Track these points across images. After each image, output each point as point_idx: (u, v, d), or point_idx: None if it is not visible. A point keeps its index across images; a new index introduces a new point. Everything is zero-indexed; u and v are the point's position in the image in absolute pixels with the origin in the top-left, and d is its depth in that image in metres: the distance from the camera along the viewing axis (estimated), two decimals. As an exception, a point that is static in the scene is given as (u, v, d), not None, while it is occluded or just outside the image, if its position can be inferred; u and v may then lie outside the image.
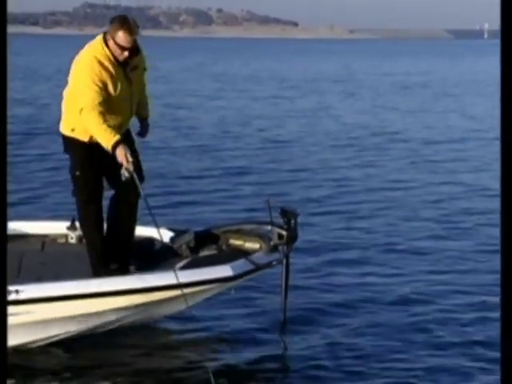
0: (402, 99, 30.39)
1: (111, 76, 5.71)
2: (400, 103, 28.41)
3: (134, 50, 5.80)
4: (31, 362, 5.92)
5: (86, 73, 5.67)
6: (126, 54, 5.73)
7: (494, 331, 6.50)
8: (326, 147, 17.50)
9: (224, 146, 17.52)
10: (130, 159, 5.60)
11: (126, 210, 6.11)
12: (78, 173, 5.95)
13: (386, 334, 6.62)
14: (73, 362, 5.99)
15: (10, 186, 12.08)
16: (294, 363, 6.15)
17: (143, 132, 6.23)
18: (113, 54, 5.75)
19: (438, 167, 15.05)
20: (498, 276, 7.13)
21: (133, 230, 6.26)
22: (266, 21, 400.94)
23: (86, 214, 6.03)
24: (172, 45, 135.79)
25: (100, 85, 5.64)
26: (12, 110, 22.72)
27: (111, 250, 6.15)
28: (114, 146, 5.58)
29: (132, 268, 6.11)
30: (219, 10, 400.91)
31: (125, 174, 5.64)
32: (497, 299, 6.73)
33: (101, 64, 5.69)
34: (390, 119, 23.29)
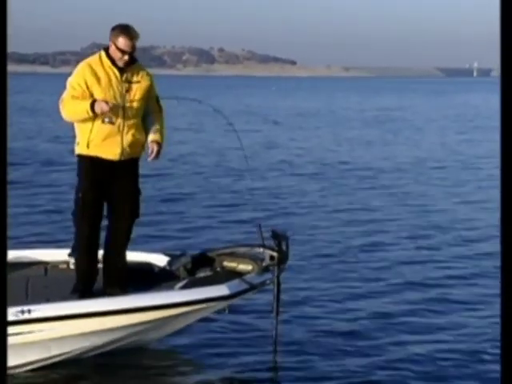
0: (365, 132, 30.82)
1: (99, 78, 5.82)
2: (363, 135, 28.88)
3: (133, 56, 5.91)
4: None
5: (74, 75, 5.89)
6: (126, 57, 5.85)
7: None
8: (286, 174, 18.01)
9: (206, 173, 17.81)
10: (110, 105, 5.71)
11: (118, 236, 6.14)
12: (80, 194, 6.01)
13: (385, 359, 6.45)
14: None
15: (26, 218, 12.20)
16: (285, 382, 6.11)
17: (150, 154, 6.05)
18: (112, 60, 5.87)
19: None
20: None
21: (122, 256, 6.22)
22: (265, 59, 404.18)
23: (79, 234, 6.08)
24: (175, 82, 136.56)
25: (82, 85, 5.81)
26: (28, 143, 23.00)
27: (109, 274, 6.19)
28: (92, 106, 5.71)
29: (130, 290, 6.15)
30: (221, 50, 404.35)
31: (109, 116, 5.77)
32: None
33: (90, 68, 5.86)
34: (342, 150, 23.71)
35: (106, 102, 5.72)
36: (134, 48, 5.86)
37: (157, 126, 6.05)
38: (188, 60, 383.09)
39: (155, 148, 5.95)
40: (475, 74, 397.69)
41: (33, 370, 5.91)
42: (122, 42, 5.80)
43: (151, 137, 6.01)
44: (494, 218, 11.05)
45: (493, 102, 50.69)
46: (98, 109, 5.71)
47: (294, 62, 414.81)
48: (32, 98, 56.50)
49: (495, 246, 9.61)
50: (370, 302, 7.96)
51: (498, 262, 5.33)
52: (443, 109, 52.98)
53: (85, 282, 6.11)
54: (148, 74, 6.07)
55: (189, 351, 6.59)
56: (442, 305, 7.94)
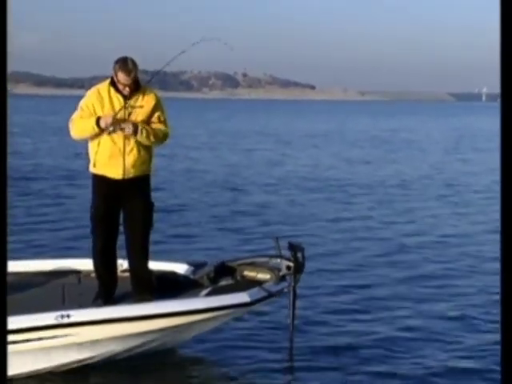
0: (366, 151, 31.05)
1: (103, 104, 5.96)
2: (363, 155, 29.09)
3: (135, 85, 6.00)
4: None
5: (84, 98, 6.07)
6: (127, 89, 5.99)
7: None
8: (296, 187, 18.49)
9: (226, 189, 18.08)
10: (113, 119, 5.85)
11: (134, 247, 6.22)
12: (93, 210, 6.16)
13: (398, 369, 6.38)
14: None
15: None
16: None
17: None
18: (116, 88, 6.01)
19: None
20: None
21: (142, 265, 6.29)
22: (286, 84, 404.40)
23: (95, 248, 6.21)
24: (201, 105, 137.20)
25: (90, 107, 6.00)
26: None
27: (135, 282, 6.28)
28: (97, 123, 5.88)
29: (158, 297, 6.22)
30: (244, 74, 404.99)
31: (111, 128, 5.89)
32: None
33: (98, 93, 6.03)
34: (340, 167, 24.04)
35: (109, 117, 5.88)
36: (133, 79, 5.95)
37: (151, 126, 6.07)
38: (214, 84, 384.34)
39: (130, 127, 5.91)
40: (484, 98, 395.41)
41: (67, 372, 5.99)
42: (121, 76, 5.92)
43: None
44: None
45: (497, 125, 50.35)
46: (102, 122, 5.89)
47: (313, 87, 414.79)
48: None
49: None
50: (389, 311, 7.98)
51: None
52: (448, 131, 52.94)
53: (105, 290, 6.23)
54: (154, 97, 6.12)
55: (211, 354, 6.65)
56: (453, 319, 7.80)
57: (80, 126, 6.00)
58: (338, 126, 57.29)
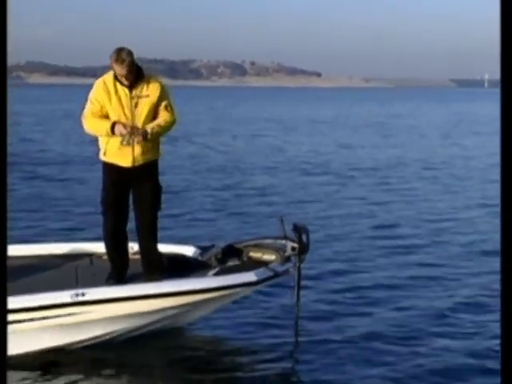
0: (365, 136, 31.04)
1: (110, 96, 5.99)
2: (360, 140, 29.06)
3: (133, 74, 5.98)
4: (65, 360, 6.01)
5: (92, 91, 6.11)
6: (125, 80, 5.99)
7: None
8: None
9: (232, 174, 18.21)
10: (128, 129, 5.90)
11: (144, 228, 6.29)
12: (103, 194, 6.23)
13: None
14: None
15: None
16: (306, 362, 6.15)
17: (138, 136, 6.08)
18: (119, 80, 6.04)
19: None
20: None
21: (151, 246, 6.36)
22: (293, 72, 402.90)
23: (106, 230, 6.27)
24: (210, 93, 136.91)
25: (99, 99, 6.03)
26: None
27: (145, 263, 6.36)
28: (112, 128, 5.93)
29: (168, 277, 6.29)
30: (252, 63, 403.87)
31: (126, 138, 5.93)
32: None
33: (104, 85, 6.05)
34: (341, 152, 24.06)
35: (125, 126, 5.91)
36: (128, 69, 5.91)
37: (156, 121, 6.09)
38: (222, 72, 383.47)
39: (139, 137, 5.96)
40: (486, 85, 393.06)
41: (81, 348, 6.07)
42: (116, 68, 5.93)
43: (146, 126, 6.05)
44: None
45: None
46: (117, 132, 5.93)
47: (319, 74, 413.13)
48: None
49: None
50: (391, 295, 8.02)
51: None
52: (448, 116, 52.85)
53: (117, 270, 6.30)
54: (159, 85, 6.12)
55: (219, 332, 6.75)
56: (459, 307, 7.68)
57: (94, 126, 6.03)
58: (341, 112, 57.13)
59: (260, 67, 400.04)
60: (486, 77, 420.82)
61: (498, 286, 8.16)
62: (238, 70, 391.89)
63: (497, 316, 7.00)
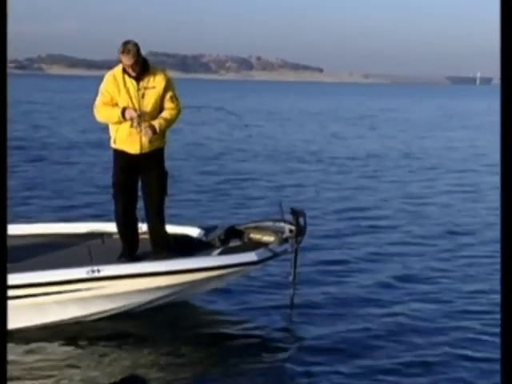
0: (350, 128, 31.05)
1: (119, 88, 6.07)
2: (346, 131, 29.10)
3: (139, 65, 6.02)
4: (84, 331, 6.03)
5: (103, 83, 6.19)
6: (132, 71, 6.06)
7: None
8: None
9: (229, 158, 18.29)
10: (138, 112, 5.99)
11: (152, 211, 6.33)
12: (114, 178, 6.31)
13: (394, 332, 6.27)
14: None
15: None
16: (299, 342, 6.09)
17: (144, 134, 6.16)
18: (127, 73, 6.09)
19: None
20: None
21: (159, 227, 6.41)
22: (296, 67, 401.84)
23: (117, 211, 6.33)
24: (218, 86, 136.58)
25: (109, 90, 6.11)
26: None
27: (154, 243, 6.41)
28: (122, 113, 6.02)
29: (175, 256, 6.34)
30: (258, 58, 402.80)
31: (136, 121, 5.99)
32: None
33: (114, 77, 6.13)
34: (333, 142, 24.10)
35: (135, 110, 6.00)
36: (134, 59, 5.96)
37: (162, 115, 6.15)
38: (230, 67, 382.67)
39: (149, 132, 6.03)
40: (478, 82, 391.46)
41: (93, 321, 6.13)
42: (123, 59, 5.98)
43: (152, 122, 6.09)
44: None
45: (492, 105, 50.12)
46: (127, 115, 6.00)
47: (321, 70, 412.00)
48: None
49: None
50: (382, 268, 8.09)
51: None
52: (438, 109, 52.72)
53: (128, 249, 6.36)
54: (164, 77, 6.16)
55: (221, 306, 6.81)
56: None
57: (106, 114, 6.11)
58: (339, 106, 57.12)
59: (266, 62, 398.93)
60: (478, 75, 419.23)
61: (465, 260, 8.65)
62: (244, 64, 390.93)
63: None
